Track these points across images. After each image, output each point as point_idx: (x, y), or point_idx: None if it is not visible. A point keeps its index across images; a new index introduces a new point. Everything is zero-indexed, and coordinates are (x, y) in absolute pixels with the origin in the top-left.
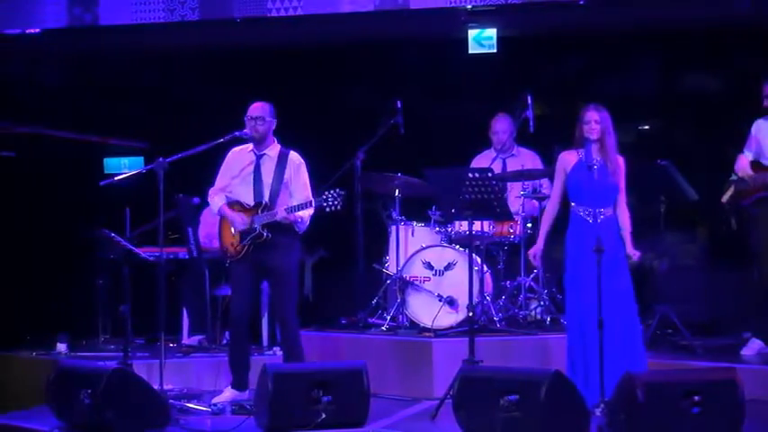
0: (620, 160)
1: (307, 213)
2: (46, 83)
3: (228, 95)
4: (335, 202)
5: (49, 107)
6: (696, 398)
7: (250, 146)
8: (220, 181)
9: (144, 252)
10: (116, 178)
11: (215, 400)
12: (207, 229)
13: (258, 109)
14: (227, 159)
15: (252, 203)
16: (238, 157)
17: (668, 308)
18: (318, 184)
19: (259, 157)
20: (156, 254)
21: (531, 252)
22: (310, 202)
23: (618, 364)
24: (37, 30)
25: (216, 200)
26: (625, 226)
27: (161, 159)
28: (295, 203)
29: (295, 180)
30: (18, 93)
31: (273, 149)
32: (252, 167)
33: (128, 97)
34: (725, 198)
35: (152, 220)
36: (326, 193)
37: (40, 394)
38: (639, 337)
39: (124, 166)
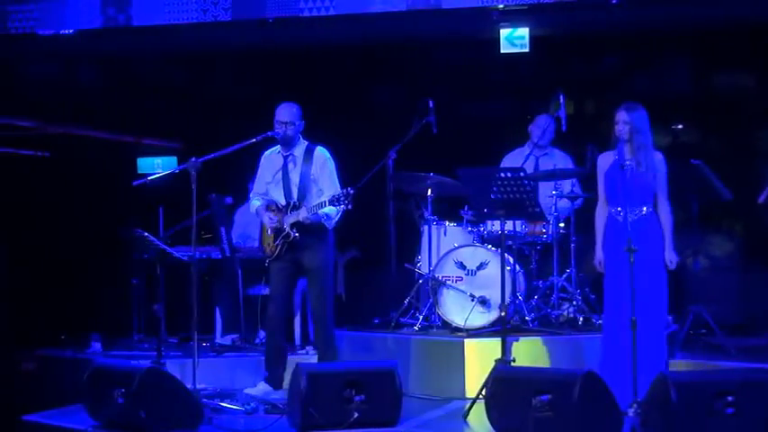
0: (659, 158)
1: (332, 210)
2: (80, 83)
3: (261, 95)
4: (345, 201)
5: (83, 107)
6: (730, 398)
7: (279, 147)
8: (257, 186)
9: (177, 252)
10: (149, 178)
11: (247, 391)
12: (240, 228)
13: (286, 113)
14: (260, 165)
15: (283, 204)
16: (269, 162)
17: (702, 308)
18: (351, 183)
19: (286, 158)
20: (190, 253)
21: (597, 260)
22: (326, 201)
23: (642, 365)
24: (71, 30)
25: (254, 201)
26: (665, 226)
27: (194, 159)
28: (325, 199)
29: (322, 175)
30: (52, 93)
31: (300, 148)
32: (281, 169)
33: (161, 97)
34: (762, 198)
35: (185, 219)
36: (337, 193)
37: (74, 393)
38: (663, 340)
39: (157, 166)
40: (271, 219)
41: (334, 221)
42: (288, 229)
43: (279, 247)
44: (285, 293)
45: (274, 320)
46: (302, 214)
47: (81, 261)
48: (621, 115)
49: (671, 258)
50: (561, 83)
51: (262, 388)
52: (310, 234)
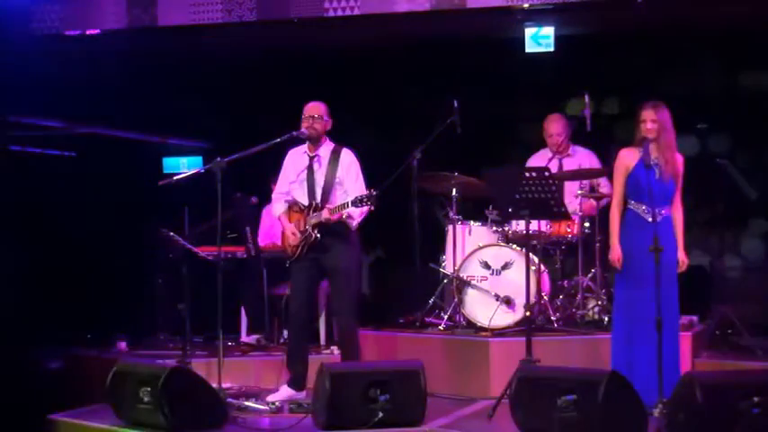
0: (679, 159)
1: (355, 211)
2: (106, 83)
3: (287, 95)
4: (369, 202)
5: (108, 107)
6: (756, 398)
7: (305, 147)
8: (280, 186)
9: (202, 251)
10: (175, 178)
11: (271, 398)
12: (265, 228)
13: (315, 108)
14: (284, 164)
15: (306, 204)
16: (294, 161)
17: (728, 308)
18: (375, 183)
19: (312, 159)
20: (215, 253)
21: (613, 258)
22: (349, 202)
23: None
24: (97, 30)
25: (277, 206)
26: (678, 226)
27: (219, 159)
28: (349, 200)
29: (347, 177)
30: (79, 93)
31: (326, 149)
32: (306, 169)
33: (187, 97)
34: None
35: (210, 219)
36: (360, 195)
37: (100, 392)
38: (678, 340)
39: (183, 166)
40: (294, 235)
41: (357, 222)
42: (310, 230)
43: (300, 248)
44: (306, 293)
45: (296, 320)
46: (324, 215)
47: (106, 261)
48: (649, 113)
49: (682, 259)
50: (587, 82)
51: (285, 393)
52: (332, 235)
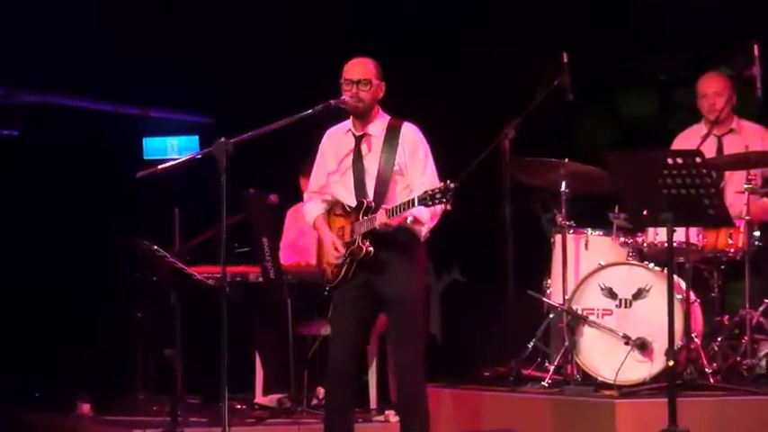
0: None
1: (425, 212)
2: (62, 30)
3: (321, 51)
4: (443, 199)
5: (66, 65)
6: None
7: (348, 123)
8: (315, 179)
9: (200, 272)
10: (160, 167)
11: None
12: (290, 239)
13: (360, 68)
14: (321, 148)
15: (353, 205)
16: (334, 144)
17: None
18: (450, 174)
19: (360, 139)
20: (218, 275)
21: None
22: (414, 199)
23: None
24: None
25: (310, 207)
26: None
27: (222, 140)
28: (414, 197)
29: (411, 164)
30: (22, 44)
31: (379, 125)
32: (351, 154)
33: (179, 51)
34: None
35: (211, 226)
36: (432, 189)
37: None
38: None
39: (172, 150)
40: (336, 249)
41: (427, 229)
42: (359, 240)
43: (345, 267)
44: (353, 334)
45: (337, 373)
46: (380, 220)
47: (63, 287)
48: None
49: None
50: (755, 29)
51: None
52: (391, 248)
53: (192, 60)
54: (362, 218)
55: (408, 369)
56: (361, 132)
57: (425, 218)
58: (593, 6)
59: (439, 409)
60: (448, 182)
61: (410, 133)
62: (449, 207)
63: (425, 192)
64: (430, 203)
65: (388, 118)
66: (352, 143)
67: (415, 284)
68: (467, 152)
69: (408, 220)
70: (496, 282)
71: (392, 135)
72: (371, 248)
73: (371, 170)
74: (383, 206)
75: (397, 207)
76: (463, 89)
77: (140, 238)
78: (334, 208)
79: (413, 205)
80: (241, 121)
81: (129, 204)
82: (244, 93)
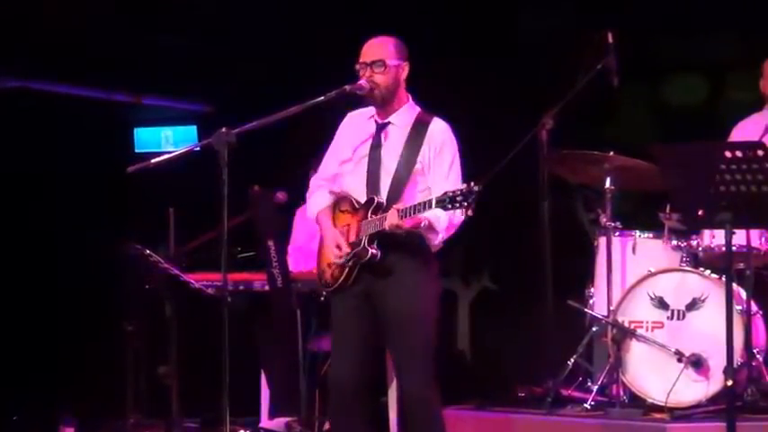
0: None
1: (442, 217)
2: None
3: (341, 23)
4: (464, 202)
5: (48, 45)
6: None
7: (374, 110)
8: (326, 166)
9: (197, 280)
10: (153, 161)
11: None
12: (300, 242)
13: (374, 48)
14: (339, 131)
15: (363, 201)
16: (353, 128)
17: None
18: (477, 171)
19: (381, 128)
20: (218, 283)
21: None
22: (432, 200)
23: None
24: None
25: (316, 197)
26: None
27: (224, 130)
28: (432, 198)
29: (436, 163)
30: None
31: (405, 116)
32: (369, 141)
33: (175, 31)
34: None
35: (211, 228)
36: (453, 190)
37: None
38: None
39: (166, 141)
40: (338, 247)
41: (441, 238)
42: (365, 242)
43: (347, 270)
44: (357, 349)
45: (341, 395)
46: (390, 221)
47: (45, 296)
48: None
49: None
50: None
51: None
52: (401, 254)
53: (189, 40)
54: (371, 216)
55: (415, 399)
56: (385, 121)
57: (442, 225)
58: None
59: None
60: (471, 183)
61: (439, 131)
62: (470, 213)
63: (445, 192)
64: (449, 207)
65: (417, 110)
66: (372, 130)
67: (423, 299)
68: (500, 144)
69: (422, 225)
70: (532, 290)
71: (419, 130)
72: (377, 252)
73: (389, 165)
74: (396, 206)
75: (410, 207)
76: (495, 74)
77: (131, 241)
78: (340, 203)
79: (429, 207)
80: (245, 109)
81: (117, 203)
82: (247, 77)
